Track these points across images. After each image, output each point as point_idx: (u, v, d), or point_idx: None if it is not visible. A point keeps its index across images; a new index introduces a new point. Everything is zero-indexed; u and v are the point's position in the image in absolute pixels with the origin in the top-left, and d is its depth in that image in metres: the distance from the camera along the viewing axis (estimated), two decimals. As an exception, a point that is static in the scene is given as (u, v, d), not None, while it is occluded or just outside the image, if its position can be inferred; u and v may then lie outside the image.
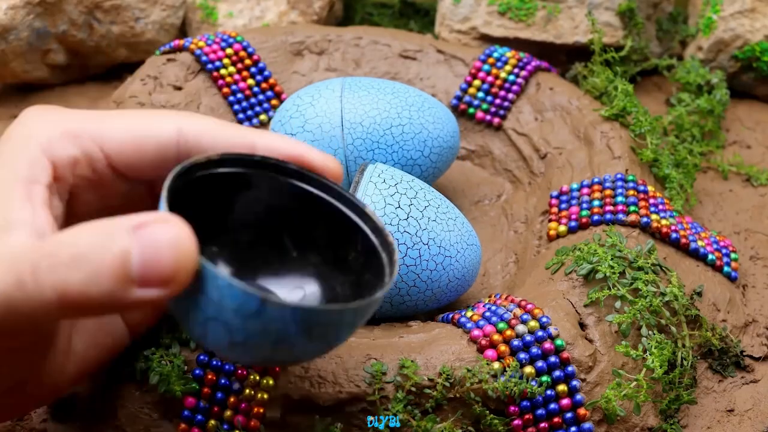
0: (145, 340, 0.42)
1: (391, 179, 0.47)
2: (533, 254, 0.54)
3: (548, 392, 0.42)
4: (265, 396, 0.41)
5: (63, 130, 0.34)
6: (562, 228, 0.53)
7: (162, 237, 0.29)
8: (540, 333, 0.44)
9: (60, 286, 0.29)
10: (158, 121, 0.35)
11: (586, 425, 0.43)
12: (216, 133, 0.36)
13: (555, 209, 0.55)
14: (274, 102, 0.63)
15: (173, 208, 0.32)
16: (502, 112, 0.63)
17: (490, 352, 0.43)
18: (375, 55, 0.66)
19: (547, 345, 0.43)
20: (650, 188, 0.54)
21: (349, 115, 0.54)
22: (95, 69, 0.73)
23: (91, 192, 0.36)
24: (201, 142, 0.35)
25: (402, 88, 0.57)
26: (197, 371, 0.41)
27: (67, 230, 0.30)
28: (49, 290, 0.29)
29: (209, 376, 0.41)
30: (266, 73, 0.63)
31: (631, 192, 0.53)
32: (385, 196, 0.46)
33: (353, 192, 0.46)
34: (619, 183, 0.54)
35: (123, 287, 0.29)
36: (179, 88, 0.62)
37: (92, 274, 0.29)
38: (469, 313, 0.46)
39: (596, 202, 0.53)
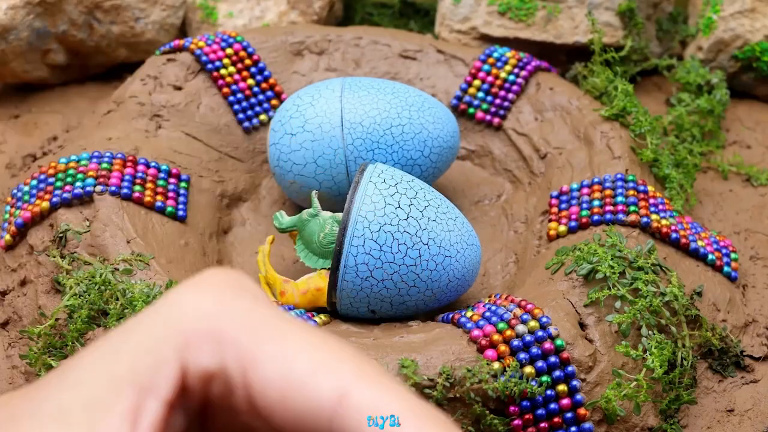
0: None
1: (391, 179, 0.47)
2: (533, 254, 0.54)
3: (548, 392, 0.42)
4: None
5: (210, 328, 0.25)
6: (562, 228, 0.53)
7: None
8: (540, 333, 0.44)
9: None
10: (321, 377, 0.24)
11: (586, 425, 0.43)
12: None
13: (555, 209, 0.55)
14: (274, 102, 0.63)
15: None
16: (502, 112, 0.63)
17: (490, 352, 0.43)
18: (375, 55, 0.66)
19: (547, 345, 0.43)
20: (650, 188, 0.54)
21: (349, 115, 0.54)
22: (95, 69, 0.73)
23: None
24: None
25: (402, 88, 0.57)
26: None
27: None
28: None
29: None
30: (266, 73, 0.63)
31: (631, 192, 0.53)
32: (385, 196, 0.46)
33: (353, 193, 0.46)
34: (619, 183, 0.54)
35: None
36: (179, 88, 0.62)
37: None
38: (469, 313, 0.46)
39: (596, 202, 0.53)
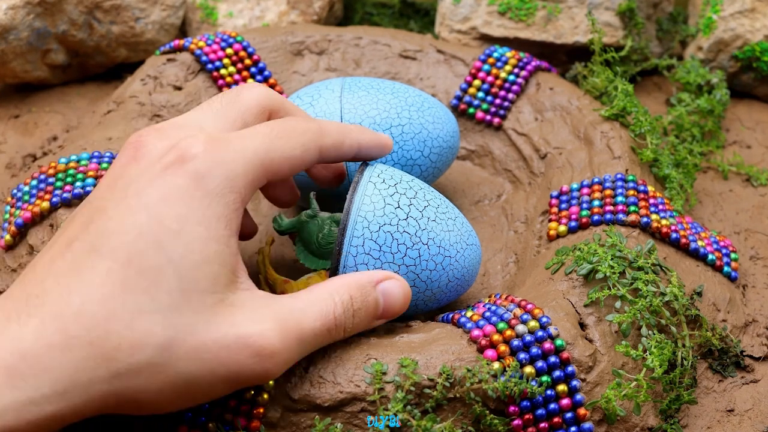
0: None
1: (390, 179, 0.47)
2: (533, 254, 0.54)
3: (548, 392, 0.43)
4: (266, 396, 0.41)
5: (261, 161, 0.40)
6: (562, 228, 0.53)
7: (396, 289, 0.43)
8: (540, 333, 0.44)
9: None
10: (308, 146, 0.42)
11: (586, 425, 0.43)
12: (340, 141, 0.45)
13: (555, 209, 0.55)
14: (274, 102, 0.63)
15: None
16: (502, 112, 0.63)
17: (490, 352, 0.43)
18: (375, 55, 0.66)
19: (547, 345, 0.43)
20: (650, 188, 0.54)
21: (348, 115, 0.54)
22: (95, 69, 0.73)
23: None
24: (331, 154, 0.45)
25: (401, 87, 0.57)
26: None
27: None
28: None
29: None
30: (266, 73, 0.63)
31: (631, 192, 0.53)
32: (385, 196, 0.46)
33: (352, 192, 0.46)
34: (619, 183, 0.54)
35: (371, 321, 0.43)
36: (179, 88, 0.62)
37: (366, 317, 0.42)
38: (469, 313, 0.46)
39: (596, 202, 0.53)
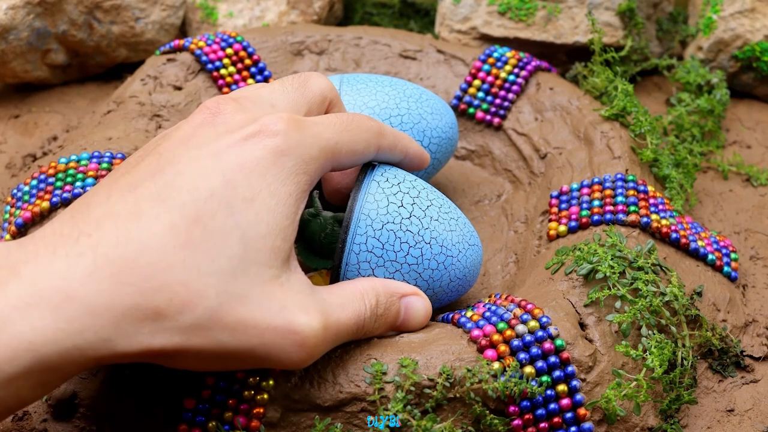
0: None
1: (394, 178, 0.47)
2: (533, 254, 0.54)
3: (548, 392, 0.42)
4: (265, 396, 0.41)
5: (332, 150, 0.42)
6: (562, 228, 0.53)
7: (419, 305, 0.45)
8: (540, 333, 0.44)
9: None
10: (370, 142, 0.45)
11: (586, 425, 0.43)
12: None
13: (555, 209, 0.55)
14: (274, 102, 0.63)
15: None
16: (502, 112, 0.63)
17: (490, 352, 0.43)
18: (375, 55, 0.66)
19: (547, 345, 0.43)
20: (650, 188, 0.54)
21: (348, 107, 0.54)
22: (95, 69, 0.73)
23: None
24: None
25: (399, 81, 0.57)
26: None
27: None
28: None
29: (208, 379, 0.41)
30: (266, 73, 0.63)
31: (631, 192, 0.53)
32: (388, 195, 0.46)
33: (356, 191, 0.46)
34: (619, 183, 0.54)
35: (388, 330, 0.44)
36: (179, 88, 0.62)
37: (384, 325, 0.44)
38: (469, 313, 0.46)
39: (596, 202, 0.53)
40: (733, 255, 0.55)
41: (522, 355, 0.43)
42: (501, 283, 0.55)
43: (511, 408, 0.42)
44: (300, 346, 0.37)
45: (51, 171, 0.54)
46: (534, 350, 0.43)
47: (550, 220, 0.55)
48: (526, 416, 0.42)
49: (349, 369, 0.42)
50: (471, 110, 0.63)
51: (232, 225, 0.36)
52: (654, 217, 0.52)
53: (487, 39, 0.70)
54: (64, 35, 0.69)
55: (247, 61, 0.63)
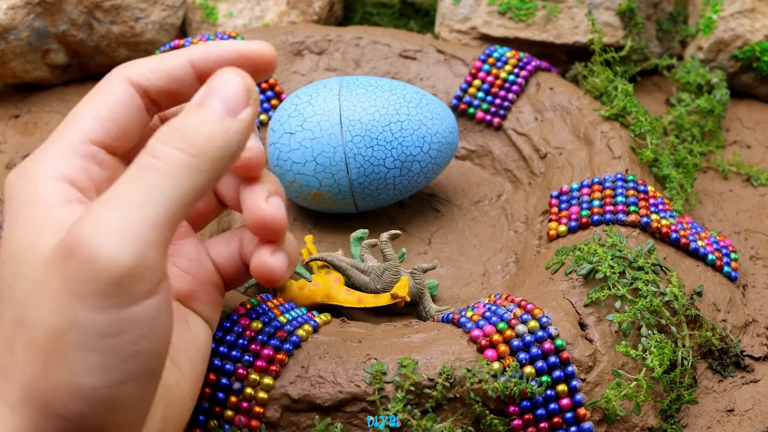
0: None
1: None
2: (533, 254, 0.54)
3: (548, 392, 0.42)
4: (266, 396, 0.41)
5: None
6: (562, 228, 0.53)
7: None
8: (540, 333, 0.44)
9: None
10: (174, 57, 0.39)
11: (586, 425, 0.43)
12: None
13: (555, 209, 0.55)
14: (274, 102, 0.63)
15: None
16: (502, 112, 0.63)
17: (490, 352, 0.43)
18: (375, 55, 0.66)
19: (547, 345, 0.43)
20: (650, 188, 0.54)
21: (347, 112, 0.54)
22: (95, 69, 0.73)
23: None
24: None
25: (399, 85, 0.57)
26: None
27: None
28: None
29: (209, 376, 0.41)
30: (266, 73, 0.63)
31: (631, 192, 0.53)
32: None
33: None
34: (619, 183, 0.54)
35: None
36: (179, 88, 0.62)
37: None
38: (469, 313, 0.46)
39: (596, 202, 0.53)
40: (733, 255, 0.55)
41: (522, 355, 0.43)
42: (501, 283, 0.55)
43: (511, 408, 0.42)
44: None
45: (51, 171, 0.53)
46: (534, 350, 0.43)
47: (550, 220, 0.55)
48: (526, 416, 0.42)
49: (349, 369, 0.42)
50: (471, 110, 0.63)
51: None
52: (654, 217, 0.52)
53: (487, 39, 0.70)
54: (64, 35, 0.69)
55: (247, 61, 0.63)
